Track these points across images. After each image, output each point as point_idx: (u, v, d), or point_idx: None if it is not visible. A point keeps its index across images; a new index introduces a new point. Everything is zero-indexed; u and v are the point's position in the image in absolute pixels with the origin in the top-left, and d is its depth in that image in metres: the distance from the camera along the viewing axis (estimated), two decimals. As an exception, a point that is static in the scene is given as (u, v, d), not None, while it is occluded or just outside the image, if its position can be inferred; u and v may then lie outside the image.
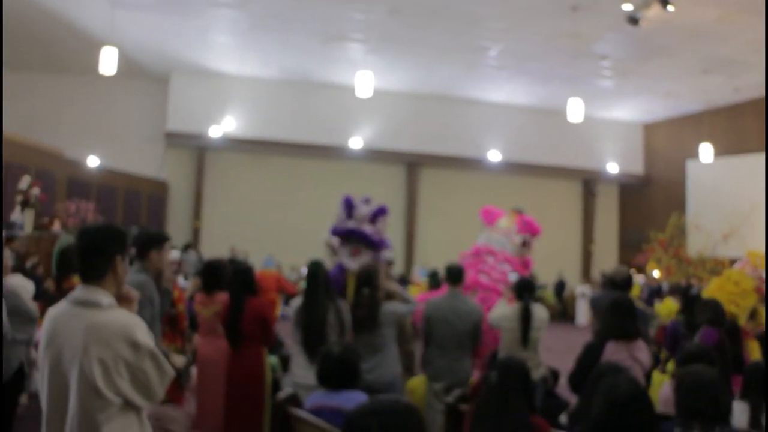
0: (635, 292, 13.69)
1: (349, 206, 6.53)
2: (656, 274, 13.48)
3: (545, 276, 16.37)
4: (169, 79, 15.95)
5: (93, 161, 14.53)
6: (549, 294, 15.85)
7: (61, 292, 6.01)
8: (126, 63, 14.12)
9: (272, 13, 12.38)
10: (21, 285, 4.77)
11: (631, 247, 17.97)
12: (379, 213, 6.46)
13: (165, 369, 2.27)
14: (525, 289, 5.31)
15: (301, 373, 4.43)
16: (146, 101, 16.27)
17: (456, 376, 4.95)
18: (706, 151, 14.36)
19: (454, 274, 5.21)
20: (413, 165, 17.76)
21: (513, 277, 6.64)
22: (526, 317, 5.15)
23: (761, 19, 11.67)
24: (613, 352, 3.91)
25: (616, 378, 2.39)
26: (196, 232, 16.40)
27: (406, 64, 14.98)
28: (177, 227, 16.08)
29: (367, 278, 4.78)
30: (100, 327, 2.18)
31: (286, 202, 16.72)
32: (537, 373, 5.14)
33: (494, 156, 17.53)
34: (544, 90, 16.41)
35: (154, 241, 4.10)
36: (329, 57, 14.62)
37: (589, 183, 19.11)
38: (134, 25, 12.67)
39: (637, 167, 19.04)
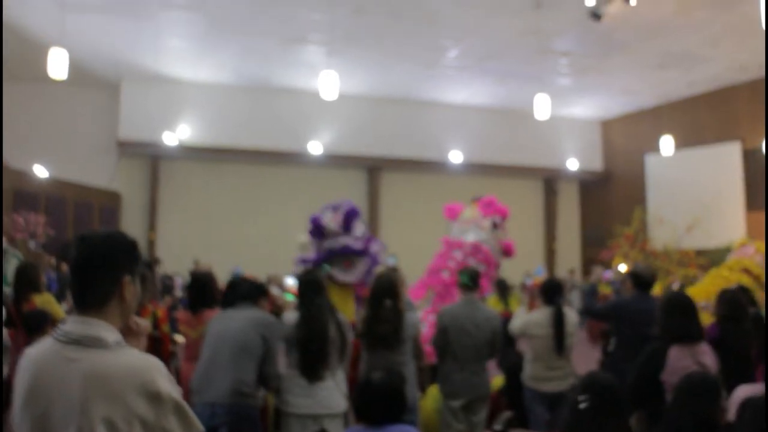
0: (606, 290, 13.55)
1: (318, 229, 6.05)
2: (623, 268, 13.46)
3: (511, 277, 16.23)
4: (120, 85, 15.26)
5: (40, 171, 13.78)
6: (517, 295, 15.68)
7: (20, 316, 5.52)
8: (75, 69, 13.39)
9: (229, 14, 11.92)
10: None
11: (594, 243, 18.01)
12: (351, 217, 6.08)
13: (194, 425, 1.75)
14: (555, 292, 4.91)
15: (299, 401, 3.83)
16: (97, 109, 15.53)
17: (475, 392, 4.59)
18: (666, 144, 14.44)
19: (470, 279, 4.81)
20: (374, 169, 17.46)
21: (529, 281, 6.42)
22: (559, 322, 4.75)
23: (717, 12, 11.81)
24: (678, 357, 3.55)
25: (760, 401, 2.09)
26: (151, 245, 15.75)
27: (365, 66, 14.68)
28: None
29: (389, 288, 4.24)
30: (106, 375, 1.64)
31: (246, 210, 16.21)
32: (566, 383, 4.82)
33: (455, 157, 17.35)
34: (503, 89, 16.32)
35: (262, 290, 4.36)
36: (287, 60, 14.22)
37: (550, 181, 19.13)
38: (83, 28, 12.04)
39: (596, 164, 19.13)
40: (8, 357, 4.68)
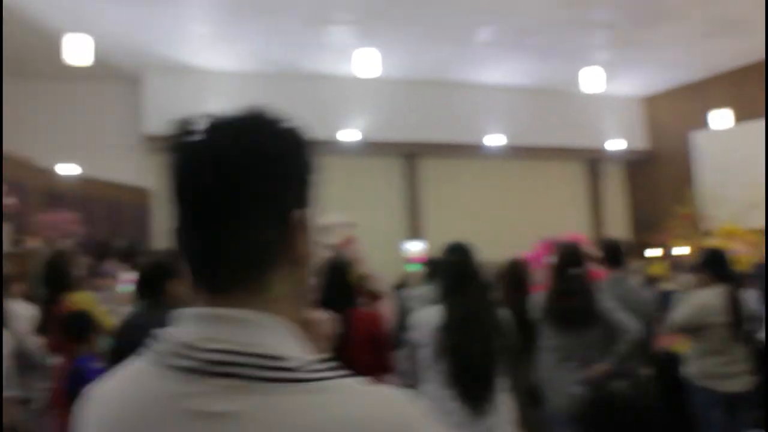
0: (659, 270, 12.32)
1: None
2: (686, 250, 12.56)
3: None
4: (142, 77, 14.71)
5: (65, 169, 13.29)
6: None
7: (51, 320, 4.84)
8: (95, 62, 12.94)
9: (252, -4, 11.31)
10: (19, 314, 3.59)
11: (646, 226, 17.08)
12: None
13: None
14: (724, 264, 3.98)
15: None
16: (119, 103, 14.93)
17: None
18: (715, 119, 13.53)
19: (614, 252, 4.12)
20: (411, 156, 16.77)
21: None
22: (737, 303, 3.88)
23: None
24: None
25: None
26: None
27: (396, 48, 13.94)
28: (164, 237, 14.91)
29: (574, 255, 3.64)
30: None
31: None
32: (750, 381, 3.93)
33: (495, 140, 16.57)
34: (539, 67, 15.51)
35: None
36: (315, 44, 13.55)
37: (594, 163, 18.23)
38: (101, 18, 11.46)
39: (642, 142, 18.23)
40: (43, 374, 4.02)
